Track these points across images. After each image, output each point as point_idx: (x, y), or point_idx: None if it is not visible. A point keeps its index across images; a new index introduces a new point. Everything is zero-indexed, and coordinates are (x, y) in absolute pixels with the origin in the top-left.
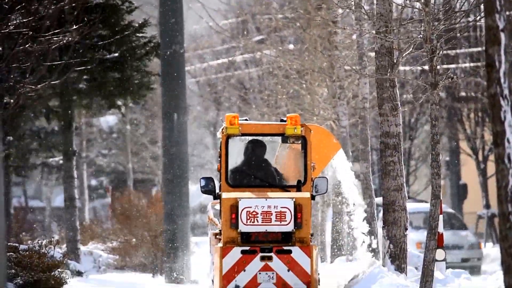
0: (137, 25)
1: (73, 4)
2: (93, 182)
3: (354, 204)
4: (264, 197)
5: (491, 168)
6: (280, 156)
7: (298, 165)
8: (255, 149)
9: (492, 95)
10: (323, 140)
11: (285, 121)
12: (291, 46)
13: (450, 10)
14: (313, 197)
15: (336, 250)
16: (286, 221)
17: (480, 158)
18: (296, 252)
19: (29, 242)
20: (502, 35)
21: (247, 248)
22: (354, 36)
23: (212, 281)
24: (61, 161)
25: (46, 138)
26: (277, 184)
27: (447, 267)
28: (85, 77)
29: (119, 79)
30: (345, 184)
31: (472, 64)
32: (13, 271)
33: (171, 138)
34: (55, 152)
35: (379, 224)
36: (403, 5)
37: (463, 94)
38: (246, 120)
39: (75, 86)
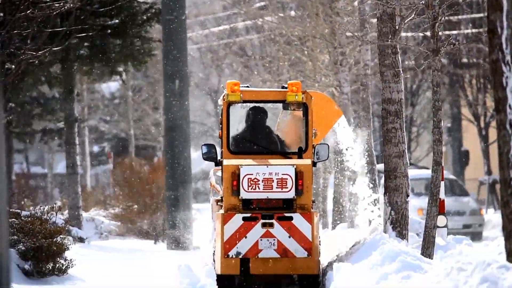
0: None
1: None
2: (95, 149)
3: (355, 171)
4: (265, 164)
5: (492, 134)
6: (282, 123)
7: (299, 132)
8: (256, 116)
9: (494, 61)
10: (324, 106)
11: (286, 88)
12: (292, 13)
13: None
14: (314, 164)
15: (337, 216)
16: (287, 188)
17: (482, 124)
18: (297, 219)
19: (31, 208)
20: (505, 1)
21: (249, 215)
22: (355, 3)
23: (214, 247)
24: (62, 126)
25: (48, 104)
26: (279, 151)
27: (448, 233)
28: (86, 43)
29: (120, 45)
30: (347, 151)
31: (474, 30)
32: (15, 237)
33: (172, 105)
34: (57, 118)
35: (380, 191)
36: None
37: (465, 60)
38: (247, 87)
39: (77, 53)
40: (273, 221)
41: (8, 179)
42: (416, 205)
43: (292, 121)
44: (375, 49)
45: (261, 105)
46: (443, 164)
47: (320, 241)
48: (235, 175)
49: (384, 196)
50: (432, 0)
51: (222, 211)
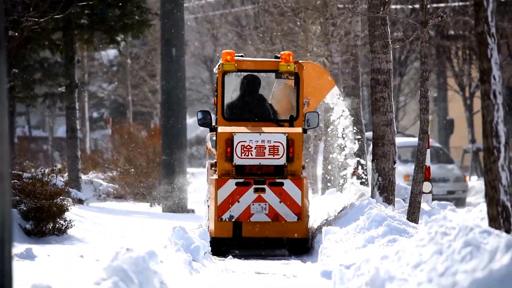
0: None
1: None
2: (94, 114)
3: (345, 137)
4: (258, 131)
5: (477, 104)
6: (275, 92)
7: (291, 100)
8: (250, 85)
9: (479, 33)
10: (318, 77)
11: (279, 58)
12: None
13: None
14: (305, 131)
15: (327, 182)
16: (279, 155)
17: (467, 94)
18: (288, 185)
19: (33, 170)
20: None
21: (241, 180)
22: None
23: (208, 210)
24: (63, 91)
25: (50, 70)
26: (271, 119)
27: (433, 199)
28: (86, 11)
29: (119, 15)
30: (339, 120)
31: (460, 3)
32: (17, 198)
33: (169, 72)
34: (58, 83)
35: (368, 157)
36: None
37: (451, 32)
38: (241, 56)
39: (77, 21)
40: (265, 186)
41: (10, 142)
42: (403, 172)
43: (285, 90)
44: (365, 20)
45: (254, 74)
46: (429, 133)
47: (309, 206)
48: (229, 142)
49: (372, 162)
50: None
51: (216, 176)
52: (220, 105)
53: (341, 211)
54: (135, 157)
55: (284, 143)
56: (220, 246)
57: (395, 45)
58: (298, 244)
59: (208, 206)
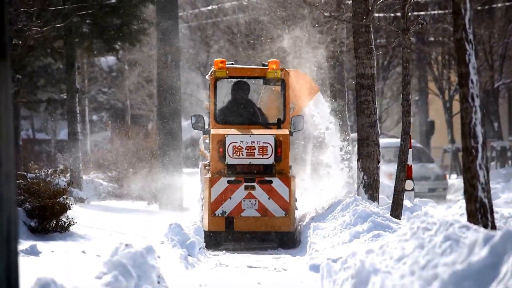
0: None
1: None
2: (94, 117)
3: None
4: (248, 133)
5: (456, 106)
6: (264, 97)
7: (278, 105)
8: (240, 90)
9: (458, 40)
10: (302, 83)
11: (266, 65)
12: None
13: None
14: (291, 133)
15: (316, 180)
16: (267, 155)
17: (446, 97)
18: (276, 182)
19: (36, 171)
20: None
21: (233, 178)
22: None
23: (202, 207)
24: (65, 96)
25: (52, 76)
26: (260, 122)
27: (415, 197)
28: (87, 21)
29: (118, 24)
30: (322, 124)
31: (440, 11)
32: (22, 197)
33: (165, 77)
34: (60, 89)
35: (354, 157)
36: None
37: (431, 39)
38: (232, 64)
39: (78, 30)
40: (255, 184)
41: (15, 144)
42: (386, 171)
43: (272, 95)
44: (350, 28)
45: (244, 80)
46: (410, 134)
47: (296, 202)
48: (221, 143)
49: (357, 162)
50: None
51: (209, 175)
52: (213, 109)
53: (328, 208)
54: (133, 158)
55: (272, 144)
56: (214, 239)
57: (378, 51)
58: (285, 237)
59: (202, 204)
